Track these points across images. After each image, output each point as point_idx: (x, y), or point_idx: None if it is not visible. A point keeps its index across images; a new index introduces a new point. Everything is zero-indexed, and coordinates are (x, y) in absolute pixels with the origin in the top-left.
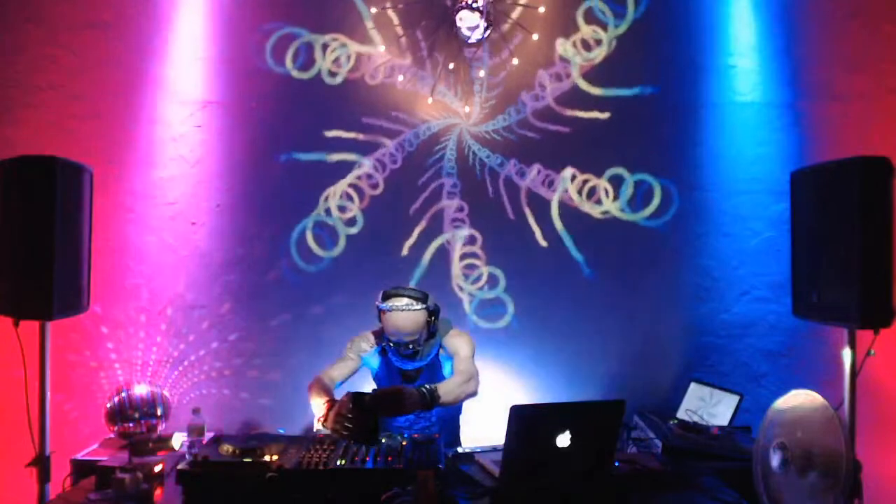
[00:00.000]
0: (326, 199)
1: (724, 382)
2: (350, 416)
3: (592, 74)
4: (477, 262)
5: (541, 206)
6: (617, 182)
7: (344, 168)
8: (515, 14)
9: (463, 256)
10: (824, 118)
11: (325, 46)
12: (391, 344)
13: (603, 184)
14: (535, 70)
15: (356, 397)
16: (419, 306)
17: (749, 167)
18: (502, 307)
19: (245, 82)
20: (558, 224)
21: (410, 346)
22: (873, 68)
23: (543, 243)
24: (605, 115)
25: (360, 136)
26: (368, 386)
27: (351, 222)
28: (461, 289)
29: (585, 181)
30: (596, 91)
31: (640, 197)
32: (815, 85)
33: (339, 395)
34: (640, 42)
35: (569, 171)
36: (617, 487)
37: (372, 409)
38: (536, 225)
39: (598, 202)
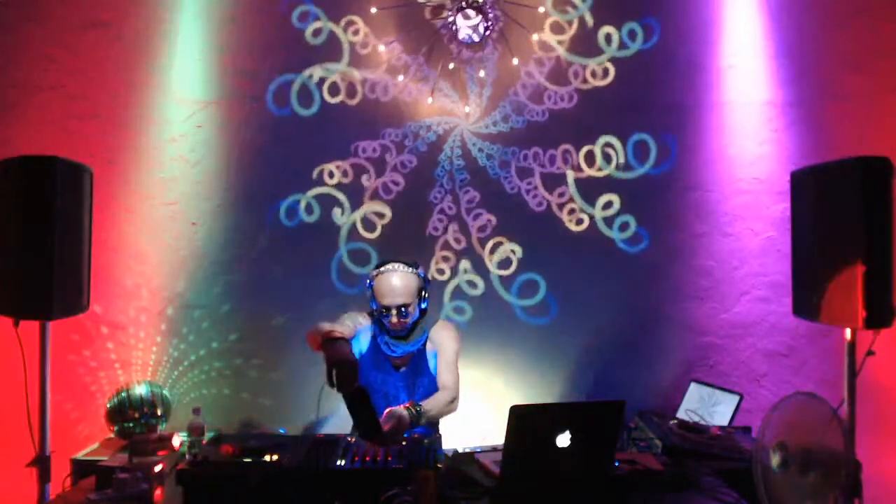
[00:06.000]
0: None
1: (724, 382)
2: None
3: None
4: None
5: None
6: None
7: (346, 170)
8: (515, 14)
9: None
10: (824, 118)
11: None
12: (383, 311)
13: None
14: (532, 67)
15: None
16: (411, 270)
17: (749, 167)
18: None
19: (245, 82)
20: (567, 221)
21: (404, 311)
22: (874, 68)
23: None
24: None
25: (360, 138)
26: None
27: (353, 223)
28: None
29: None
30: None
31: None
32: (815, 85)
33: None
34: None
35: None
36: (617, 487)
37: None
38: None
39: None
